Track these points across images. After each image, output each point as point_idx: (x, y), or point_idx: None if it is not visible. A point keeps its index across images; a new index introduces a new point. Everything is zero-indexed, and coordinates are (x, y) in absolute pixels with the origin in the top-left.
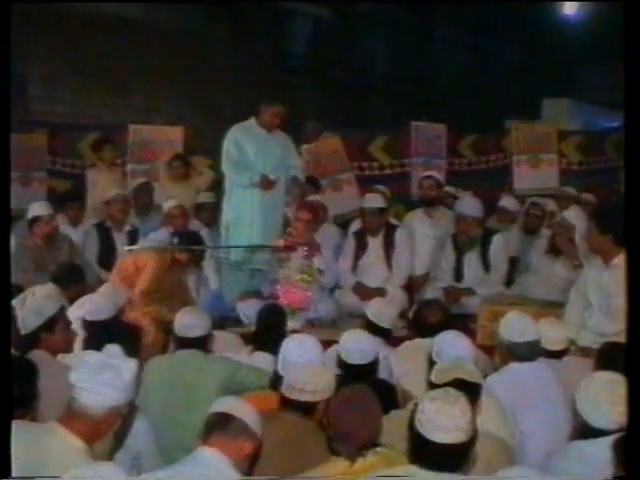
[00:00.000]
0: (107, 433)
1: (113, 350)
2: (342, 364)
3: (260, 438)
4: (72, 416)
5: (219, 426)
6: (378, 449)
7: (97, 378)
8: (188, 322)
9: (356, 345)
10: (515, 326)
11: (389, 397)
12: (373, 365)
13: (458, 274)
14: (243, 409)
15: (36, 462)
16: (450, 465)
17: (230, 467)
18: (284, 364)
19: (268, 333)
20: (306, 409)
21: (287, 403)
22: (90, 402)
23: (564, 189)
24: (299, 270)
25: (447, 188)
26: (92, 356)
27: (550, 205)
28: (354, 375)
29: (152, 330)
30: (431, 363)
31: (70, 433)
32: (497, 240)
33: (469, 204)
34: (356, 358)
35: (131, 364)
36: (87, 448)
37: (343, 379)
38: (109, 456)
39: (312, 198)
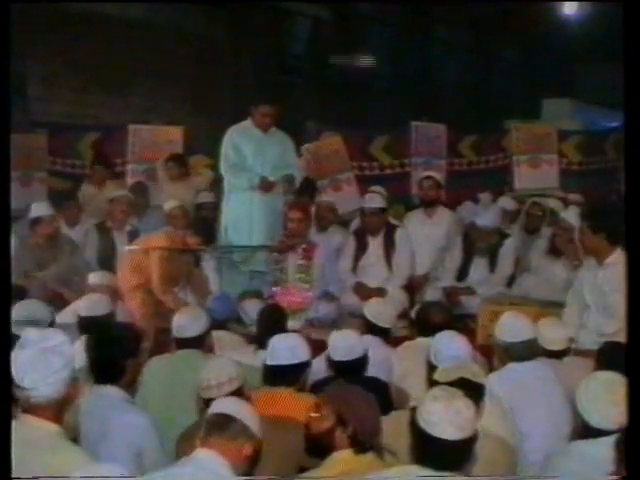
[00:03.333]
0: (71, 403)
1: (33, 334)
2: (330, 362)
3: (260, 440)
4: (36, 405)
5: (219, 427)
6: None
7: (47, 372)
8: (183, 323)
9: (342, 342)
10: (509, 326)
11: (382, 396)
12: (360, 362)
13: (462, 275)
14: (243, 410)
15: (19, 456)
16: (452, 463)
17: (228, 469)
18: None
19: (270, 333)
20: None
21: None
22: (47, 392)
23: (553, 191)
24: (297, 270)
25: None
26: (27, 351)
27: (551, 204)
28: (341, 372)
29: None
30: (429, 364)
31: (41, 419)
32: (508, 244)
33: (490, 217)
34: (340, 355)
35: (58, 335)
36: (60, 430)
37: (332, 377)
38: (74, 422)
39: (326, 198)
